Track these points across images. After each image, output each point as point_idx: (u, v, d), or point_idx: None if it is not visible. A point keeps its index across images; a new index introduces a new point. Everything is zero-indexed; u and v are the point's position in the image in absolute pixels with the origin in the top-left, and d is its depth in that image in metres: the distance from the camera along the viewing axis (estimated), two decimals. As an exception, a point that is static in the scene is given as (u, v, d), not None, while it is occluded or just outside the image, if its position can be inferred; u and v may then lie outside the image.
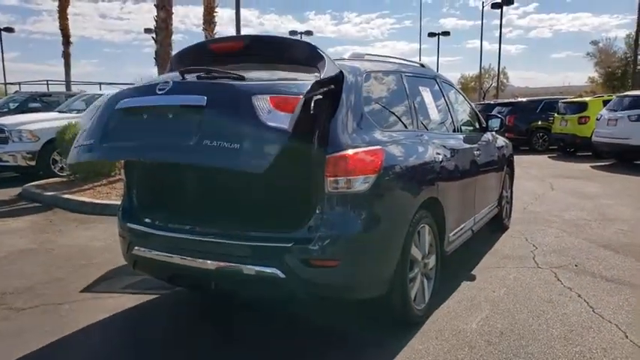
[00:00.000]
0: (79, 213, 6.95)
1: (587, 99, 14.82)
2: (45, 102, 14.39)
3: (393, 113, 3.31)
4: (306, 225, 2.60)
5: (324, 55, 2.82)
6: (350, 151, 2.62)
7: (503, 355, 2.85)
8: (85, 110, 10.75)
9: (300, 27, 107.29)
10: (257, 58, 3.02)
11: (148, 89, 2.70)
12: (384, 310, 3.11)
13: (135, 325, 3.44)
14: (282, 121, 2.31)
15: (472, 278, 4.11)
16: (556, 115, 14.68)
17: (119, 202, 7.02)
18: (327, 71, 2.69)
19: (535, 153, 15.37)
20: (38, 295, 3.91)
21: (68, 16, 20.74)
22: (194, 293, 3.98)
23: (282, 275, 2.59)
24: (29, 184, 8.67)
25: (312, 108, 2.64)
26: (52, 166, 9.99)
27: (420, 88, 3.78)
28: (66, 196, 7.65)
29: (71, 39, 20.87)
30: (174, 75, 2.92)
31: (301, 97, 2.40)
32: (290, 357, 2.91)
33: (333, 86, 2.74)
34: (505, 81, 48.29)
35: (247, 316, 3.52)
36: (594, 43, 41.58)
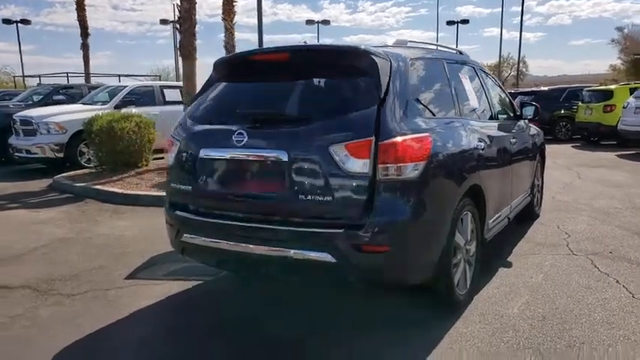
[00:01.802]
0: (110, 203, 7.10)
1: (613, 87, 14.56)
2: (68, 94, 14.58)
3: (437, 100, 3.34)
4: (357, 211, 2.66)
5: (375, 57, 2.88)
6: (399, 138, 2.67)
7: (547, 338, 2.90)
8: (109, 102, 10.91)
9: (315, 16, 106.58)
10: (304, 68, 3.10)
11: (224, 137, 2.93)
12: (428, 295, 3.17)
13: (180, 311, 3.54)
14: (362, 167, 2.60)
15: (508, 265, 4.14)
16: (580, 103, 14.49)
17: (150, 193, 7.31)
18: (382, 72, 2.81)
19: (558, 142, 15.21)
20: (85, 282, 4.04)
21: (86, 7, 20.90)
22: (238, 279, 4.08)
23: (333, 260, 2.66)
24: (59, 176, 8.86)
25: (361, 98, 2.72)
26: (79, 158, 10.20)
27: (460, 74, 3.81)
28: (97, 187, 7.81)
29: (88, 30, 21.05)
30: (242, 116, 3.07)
31: (372, 140, 2.62)
32: (339, 337, 2.99)
33: (379, 74, 2.79)
34: (524, 70, 47.67)
35: (293, 298, 3.62)
36: (619, 29, 40.87)
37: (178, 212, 3.25)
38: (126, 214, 6.47)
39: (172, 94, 12.19)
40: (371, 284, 2.91)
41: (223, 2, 15.10)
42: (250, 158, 2.91)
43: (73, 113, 10.45)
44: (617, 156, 11.39)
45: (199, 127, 3.21)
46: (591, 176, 8.63)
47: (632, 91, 12.76)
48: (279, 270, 2.99)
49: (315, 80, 3.01)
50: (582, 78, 50.09)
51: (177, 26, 9.82)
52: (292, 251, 2.76)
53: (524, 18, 33.64)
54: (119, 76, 25.01)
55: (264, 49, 3.41)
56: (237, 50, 16.79)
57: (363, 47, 2.96)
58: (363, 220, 2.64)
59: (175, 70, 36.24)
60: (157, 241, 5.03)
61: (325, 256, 2.67)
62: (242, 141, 2.87)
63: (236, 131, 2.90)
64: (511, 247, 4.59)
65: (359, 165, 2.63)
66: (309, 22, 37.96)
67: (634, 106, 11.32)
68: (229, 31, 17.02)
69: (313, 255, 2.71)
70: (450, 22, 37.22)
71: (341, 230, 2.65)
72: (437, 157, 2.85)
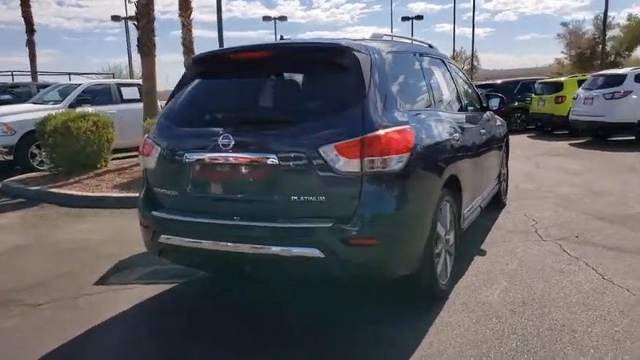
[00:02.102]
0: (69, 207, 6.78)
1: (562, 79, 15.19)
2: (14, 94, 13.88)
3: (414, 92, 3.36)
4: (347, 207, 2.64)
5: (356, 52, 2.86)
6: (382, 131, 2.66)
7: (529, 323, 2.96)
8: (62, 101, 10.44)
9: (269, 13, 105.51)
10: (287, 66, 3.06)
11: (209, 140, 2.88)
12: (411, 287, 3.18)
13: (156, 315, 3.42)
14: (352, 165, 2.60)
15: (483, 253, 4.23)
16: (533, 95, 15.01)
17: (113, 194, 7.05)
18: (364, 68, 2.79)
19: (514, 133, 15.57)
20: (52, 290, 3.83)
21: (30, 4, 19.95)
22: (210, 281, 3.99)
23: (321, 255, 2.63)
24: (9, 180, 8.38)
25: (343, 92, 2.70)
26: (31, 160, 9.71)
27: (432, 67, 3.84)
28: (53, 190, 7.45)
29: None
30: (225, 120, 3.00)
31: (359, 139, 2.60)
32: (328, 333, 2.96)
33: (361, 70, 2.78)
34: (477, 64, 48.96)
35: (272, 297, 3.56)
36: (564, 24, 42.80)
37: (156, 213, 3.14)
38: (88, 217, 6.20)
39: (130, 92, 11.83)
40: (358, 278, 2.89)
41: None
42: (238, 161, 2.86)
43: (23, 113, 9.94)
44: (570, 145, 11.87)
45: (182, 130, 3.12)
46: (550, 165, 8.95)
47: (580, 83, 13.33)
48: (265, 268, 2.95)
49: (299, 78, 3.00)
50: (532, 71, 51.99)
51: (135, 23, 9.49)
52: (280, 248, 2.72)
53: (474, 14, 34.49)
54: (69, 74, 23.98)
55: (245, 46, 3.33)
56: (196, 48, 16.43)
57: (344, 43, 2.93)
58: (352, 215, 2.62)
59: (129, 68, 35.17)
60: (124, 244, 4.85)
61: (313, 252, 2.64)
62: (228, 144, 2.81)
63: (221, 134, 2.83)
64: (483, 236, 4.69)
65: (349, 164, 2.62)
66: (266, 18, 37.61)
67: (583, 97, 11.82)
68: (187, 27, 16.62)
69: (301, 251, 2.67)
70: (404, 18, 37.82)
71: (329, 225, 2.62)
72: (419, 148, 2.86)
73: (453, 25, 48.76)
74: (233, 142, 2.80)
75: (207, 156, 2.94)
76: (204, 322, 3.25)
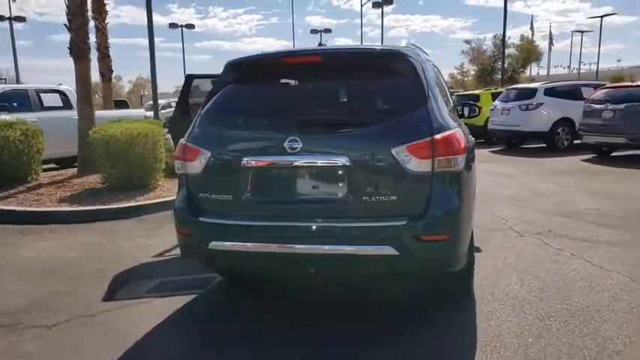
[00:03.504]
0: (13, 224, 6.13)
1: (477, 91, 16.57)
2: None
3: (444, 99, 3.58)
4: (418, 203, 2.77)
5: (410, 58, 3.02)
6: (447, 133, 2.84)
7: (558, 307, 3.29)
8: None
9: (162, 20, 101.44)
10: (340, 71, 3.13)
11: (274, 144, 2.87)
12: (453, 280, 3.37)
13: (198, 325, 3.28)
14: (423, 165, 2.70)
15: (478, 249, 4.54)
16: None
17: (63, 209, 6.49)
18: (419, 73, 2.96)
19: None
20: (56, 310, 3.50)
21: None
22: (233, 287, 3.91)
23: (395, 253, 2.73)
24: None
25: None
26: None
27: (440, 75, 4.11)
28: (-14, 206, 6.68)
29: None
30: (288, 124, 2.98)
31: (429, 140, 2.73)
32: (381, 326, 3.06)
33: (417, 75, 2.95)
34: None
35: (314, 297, 3.56)
36: (467, 42, 47.78)
37: (205, 219, 3.03)
38: (45, 234, 5.66)
39: (50, 99, 10.91)
40: (427, 273, 3.02)
41: (93, 0, 13.87)
42: (308, 164, 2.88)
43: None
44: (490, 152, 12.98)
45: (236, 133, 3.06)
46: (483, 170, 9.68)
47: (493, 95, 14.66)
48: (333, 268, 2.98)
49: (357, 82, 3.09)
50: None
51: (67, 24, 8.83)
52: (353, 247, 2.78)
53: (366, 30, 36.57)
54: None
55: (300, 50, 3.33)
56: (111, 52, 15.55)
57: (397, 49, 3.08)
58: (424, 212, 2.76)
59: (15, 72, 32.24)
60: (105, 260, 4.60)
61: (388, 250, 2.73)
62: (297, 148, 2.82)
63: (287, 138, 2.83)
64: (469, 234, 5.04)
65: (420, 164, 2.75)
66: (173, 25, 36.50)
67: (500, 108, 13.04)
68: (101, 31, 15.74)
69: (376, 249, 2.75)
70: (313, 31, 38.72)
71: (403, 223, 2.73)
72: (468, 149, 3.08)
73: (360, 37, 50.75)
74: (301, 145, 2.82)
75: (272, 159, 2.92)
76: (252, 327, 3.20)
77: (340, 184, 2.85)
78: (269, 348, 2.95)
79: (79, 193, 7.29)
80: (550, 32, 56.92)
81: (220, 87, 3.27)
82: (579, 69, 52.76)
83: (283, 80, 3.21)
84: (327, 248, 2.82)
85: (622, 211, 5.81)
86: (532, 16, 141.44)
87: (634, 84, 11.44)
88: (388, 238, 2.75)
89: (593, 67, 48.92)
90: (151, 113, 15.78)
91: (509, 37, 40.35)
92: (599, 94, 11.01)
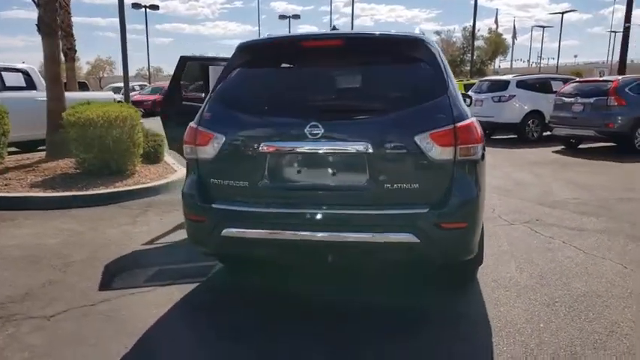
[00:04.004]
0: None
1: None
2: None
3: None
4: (440, 190, 2.77)
5: (429, 45, 3.01)
6: (468, 121, 2.85)
7: (561, 292, 3.38)
8: None
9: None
10: (360, 56, 3.08)
11: (294, 129, 2.82)
12: (464, 268, 3.40)
13: (208, 313, 3.22)
14: (445, 153, 2.69)
15: (472, 237, 4.63)
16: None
17: (37, 194, 6.19)
18: (438, 60, 2.96)
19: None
20: (52, 300, 3.35)
21: None
22: (234, 274, 3.85)
23: (416, 240, 2.72)
24: None
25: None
26: None
27: None
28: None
29: None
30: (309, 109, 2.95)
31: (452, 128, 2.73)
32: (391, 317, 3.07)
33: (437, 62, 2.94)
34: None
35: (320, 281, 3.53)
36: (437, 33, 48.49)
37: (218, 206, 2.94)
38: (19, 221, 5.39)
39: (13, 79, 10.37)
40: (445, 261, 3.03)
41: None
42: (330, 151, 2.83)
43: None
44: (463, 142, 13.21)
45: (253, 118, 2.97)
46: (460, 160, 9.90)
47: (465, 86, 14.90)
48: (353, 255, 2.96)
49: (378, 68, 3.05)
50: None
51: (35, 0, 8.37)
52: (374, 235, 2.76)
53: (333, 17, 36.53)
54: None
55: (319, 34, 3.24)
56: (75, 31, 14.93)
57: (418, 36, 3.06)
58: (445, 200, 2.76)
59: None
60: (91, 247, 4.46)
61: (409, 237, 2.72)
62: (318, 133, 2.77)
63: (308, 123, 2.77)
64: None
65: (443, 151, 2.75)
66: (136, 5, 35.27)
67: (474, 99, 13.25)
68: (65, 9, 15.10)
69: (397, 237, 2.74)
70: (282, 17, 38.27)
71: (425, 210, 2.73)
72: (483, 139, 3.10)
73: (330, 21, 50.52)
74: (322, 131, 2.76)
75: (292, 145, 2.86)
76: (263, 313, 3.16)
77: (361, 171, 2.81)
78: (284, 334, 2.91)
79: (52, 178, 6.97)
80: (514, 26, 58.54)
81: (231, 70, 3.16)
82: (540, 63, 54.46)
83: (301, 64, 3.13)
84: (346, 236, 2.79)
85: (600, 201, 6.03)
86: (497, 9, 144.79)
87: (601, 79, 11.87)
88: (409, 225, 2.74)
89: (551, 62, 50.73)
90: (119, 96, 15.29)
91: (478, 30, 41.31)
92: (569, 87, 11.36)
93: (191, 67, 4.83)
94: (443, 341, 2.83)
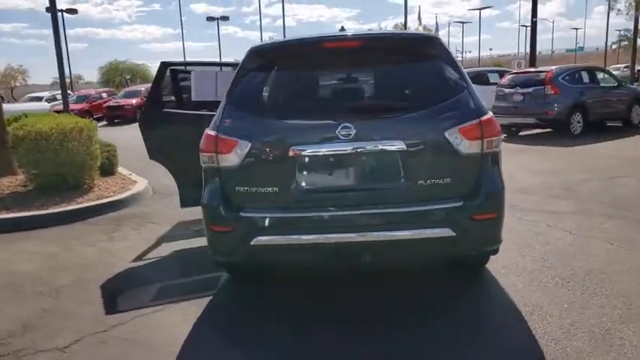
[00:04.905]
0: None
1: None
2: None
3: None
4: (470, 183, 2.83)
5: (443, 44, 3.05)
6: (490, 115, 2.93)
7: (567, 273, 3.56)
8: None
9: (25, 4, 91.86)
10: (380, 56, 3.07)
11: (325, 132, 2.79)
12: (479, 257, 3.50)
13: (233, 329, 3.09)
14: (474, 146, 2.75)
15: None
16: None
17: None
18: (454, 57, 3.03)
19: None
20: (56, 330, 3.09)
21: None
22: (246, 284, 3.72)
23: (453, 234, 2.77)
24: None
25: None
26: None
27: None
28: None
29: None
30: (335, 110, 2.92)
31: (478, 122, 2.77)
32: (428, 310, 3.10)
33: (453, 59, 3.01)
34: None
35: (336, 285, 3.50)
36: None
37: (246, 214, 2.83)
38: (-21, 246, 4.90)
39: None
40: (476, 251, 3.08)
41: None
42: (362, 151, 2.81)
43: None
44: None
45: (278, 122, 2.89)
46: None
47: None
48: (390, 253, 2.95)
49: (399, 67, 3.06)
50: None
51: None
52: (412, 232, 2.78)
53: (254, 19, 36.49)
54: None
55: (337, 35, 3.16)
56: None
57: (431, 34, 3.10)
58: (476, 192, 2.83)
59: None
60: (75, 270, 4.17)
61: (446, 232, 2.76)
62: (350, 134, 2.75)
63: (339, 125, 2.74)
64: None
65: (471, 145, 2.82)
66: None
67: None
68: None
69: (435, 232, 2.77)
70: (209, 19, 37.50)
71: (460, 204, 2.78)
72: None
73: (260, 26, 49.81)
74: (354, 132, 2.73)
75: (325, 148, 2.80)
76: (290, 319, 3.10)
77: (395, 169, 2.82)
78: (319, 342, 2.85)
79: (1, 199, 6.40)
80: (436, 22, 61.05)
81: (244, 74, 3.04)
82: (462, 58, 57.20)
83: (322, 66, 3.09)
84: (384, 235, 2.79)
85: (563, 184, 6.42)
86: (419, 6, 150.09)
87: (537, 69, 12.64)
88: (445, 219, 2.79)
89: (467, 55, 53.27)
90: (47, 106, 14.33)
91: (409, 27, 42.45)
92: (508, 79, 12.01)
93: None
94: (488, 331, 2.91)
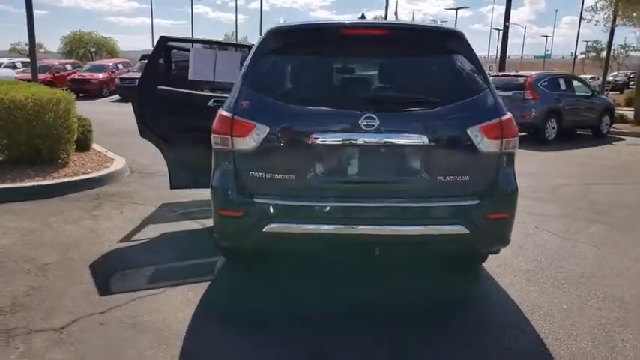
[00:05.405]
0: None
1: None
2: None
3: None
4: (487, 182, 2.84)
5: (465, 39, 3.03)
6: (510, 114, 2.94)
7: (561, 274, 3.65)
8: None
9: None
10: (406, 47, 3.01)
11: (347, 122, 2.74)
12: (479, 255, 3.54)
13: (240, 313, 3.01)
14: (493, 145, 2.76)
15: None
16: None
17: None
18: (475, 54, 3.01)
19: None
20: (49, 310, 2.94)
21: None
22: (240, 272, 3.64)
23: (466, 231, 2.78)
24: None
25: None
26: None
27: None
28: None
29: None
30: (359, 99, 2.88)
31: (499, 121, 2.79)
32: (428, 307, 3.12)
33: (474, 56, 3.00)
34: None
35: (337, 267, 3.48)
36: (362, 17, 48.95)
37: (261, 200, 2.75)
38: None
39: None
40: (486, 250, 3.10)
41: None
42: (384, 143, 2.77)
43: None
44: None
45: (299, 109, 2.81)
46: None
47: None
48: (401, 248, 2.94)
49: (423, 60, 3.03)
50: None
51: None
52: (427, 227, 2.78)
53: (219, 3, 35.84)
54: None
55: (360, 23, 3.08)
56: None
57: (455, 29, 3.08)
58: (492, 192, 2.84)
59: None
60: (59, 248, 3.99)
61: (460, 229, 2.77)
62: (373, 126, 2.70)
63: (363, 115, 2.69)
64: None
65: (491, 144, 2.82)
66: None
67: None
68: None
69: (449, 229, 2.78)
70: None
71: (476, 202, 2.79)
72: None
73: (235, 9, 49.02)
74: (378, 123, 2.69)
75: (346, 137, 2.75)
76: (292, 305, 3.06)
77: (415, 164, 2.80)
78: (326, 322, 2.86)
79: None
80: (412, 18, 61.37)
81: (263, 55, 2.94)
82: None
83: (345, 54, 3.01)
84: (398, 229, 2.78)
85: (547, 188, 6.58)
86: (397, 1, 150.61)
87: (514, 74, 12.90)
88: (460, 217, 2.79)
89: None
90: (13, 73, 13.63)
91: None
92: (487, 81, 12.20)
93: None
94: (492, 329, 2.94)
